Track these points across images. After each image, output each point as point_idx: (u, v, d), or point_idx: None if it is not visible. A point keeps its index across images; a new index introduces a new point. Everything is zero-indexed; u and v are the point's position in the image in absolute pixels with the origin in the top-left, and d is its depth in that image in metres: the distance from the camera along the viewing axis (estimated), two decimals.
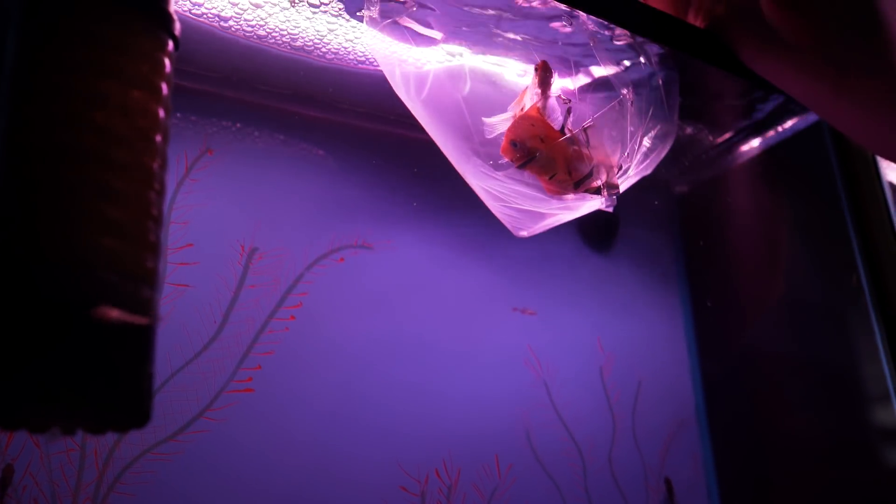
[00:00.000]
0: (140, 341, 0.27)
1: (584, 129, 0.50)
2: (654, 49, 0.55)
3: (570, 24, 0.51)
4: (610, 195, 0.52)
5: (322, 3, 0.53)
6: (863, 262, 0.68)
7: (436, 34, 0.52)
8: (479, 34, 0.53)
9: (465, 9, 0.49)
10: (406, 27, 0.50)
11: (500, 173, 0.51)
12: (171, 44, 0.31)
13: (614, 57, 0.55)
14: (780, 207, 0.79)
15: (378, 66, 0.53)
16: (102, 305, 0.25)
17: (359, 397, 0.62)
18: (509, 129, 0.51)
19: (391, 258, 0.67)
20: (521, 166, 0.50)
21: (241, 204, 0.61)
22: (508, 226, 0.53)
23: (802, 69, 0.48)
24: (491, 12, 0.50)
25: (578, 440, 0.72)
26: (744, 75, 0.54)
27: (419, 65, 0.52)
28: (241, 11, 0.53)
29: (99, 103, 0.27)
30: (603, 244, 0.82)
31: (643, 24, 0.52)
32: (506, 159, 0.51)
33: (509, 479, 0.67)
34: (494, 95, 0.54)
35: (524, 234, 0.53)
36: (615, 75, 0.54)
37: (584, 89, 0.54)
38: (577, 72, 0.56)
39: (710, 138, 0.79)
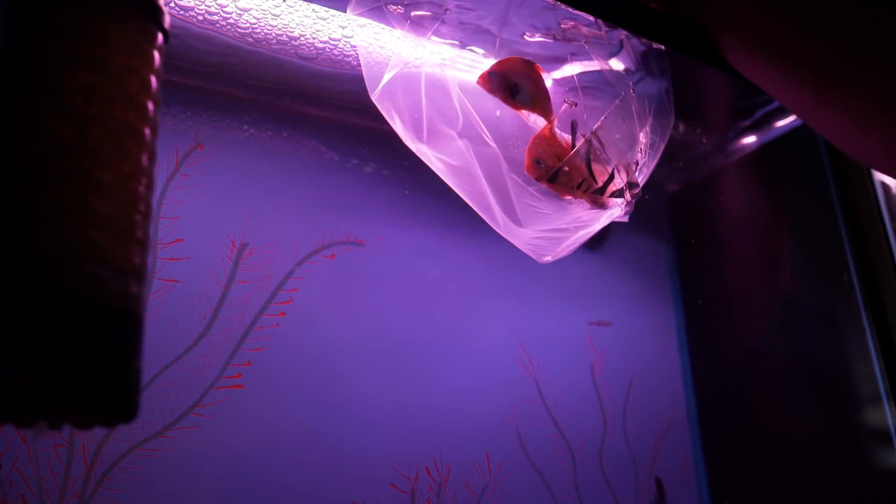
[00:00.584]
0: (127, 336, 0.27)
1: (595, 133, 0.51)
2: (646, 47, 0.55)
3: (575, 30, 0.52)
4: (632, 195, 0.53)
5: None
6: (854, 261, 0.68)
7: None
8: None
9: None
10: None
11: (532, 188, 0.52)
12: (160, 37, 0.31)
13: (611, 55, 0.55)
14: (771, 206, 0.79)
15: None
16: (89, 299, 0.25)
17: (349, 394, 0.62)
18: (529, 149, 0.53)
19: (382, 255, 0.67)
20: (550, 180, 0.52)
21: (232, 199, 0.61)
22: (532, 254, 0.54)
23: (788, 77, 0.48)
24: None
25: (569, 438, 0.72)
26: (734, 73, 0.54)
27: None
28: (233, 8, 0.53)
29: (86, 96, 0.27)
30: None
31: (639, 23, 0.52)
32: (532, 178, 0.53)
33: (500, 477, 0.67)
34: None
35: (548, 258, 0.54)
36: (615, 74, 0.55)
37: (585, 90, 0.55)
38: (577, 71, 0.56)
39: (703, 138, 0.79)
